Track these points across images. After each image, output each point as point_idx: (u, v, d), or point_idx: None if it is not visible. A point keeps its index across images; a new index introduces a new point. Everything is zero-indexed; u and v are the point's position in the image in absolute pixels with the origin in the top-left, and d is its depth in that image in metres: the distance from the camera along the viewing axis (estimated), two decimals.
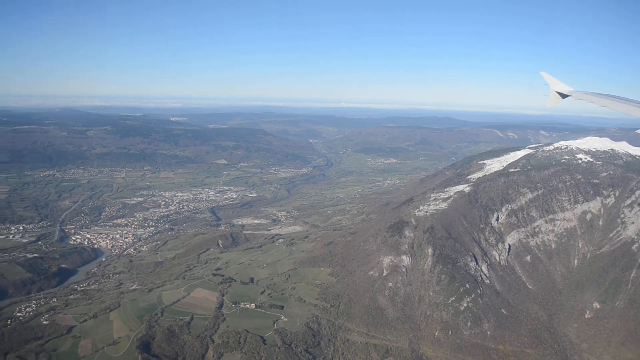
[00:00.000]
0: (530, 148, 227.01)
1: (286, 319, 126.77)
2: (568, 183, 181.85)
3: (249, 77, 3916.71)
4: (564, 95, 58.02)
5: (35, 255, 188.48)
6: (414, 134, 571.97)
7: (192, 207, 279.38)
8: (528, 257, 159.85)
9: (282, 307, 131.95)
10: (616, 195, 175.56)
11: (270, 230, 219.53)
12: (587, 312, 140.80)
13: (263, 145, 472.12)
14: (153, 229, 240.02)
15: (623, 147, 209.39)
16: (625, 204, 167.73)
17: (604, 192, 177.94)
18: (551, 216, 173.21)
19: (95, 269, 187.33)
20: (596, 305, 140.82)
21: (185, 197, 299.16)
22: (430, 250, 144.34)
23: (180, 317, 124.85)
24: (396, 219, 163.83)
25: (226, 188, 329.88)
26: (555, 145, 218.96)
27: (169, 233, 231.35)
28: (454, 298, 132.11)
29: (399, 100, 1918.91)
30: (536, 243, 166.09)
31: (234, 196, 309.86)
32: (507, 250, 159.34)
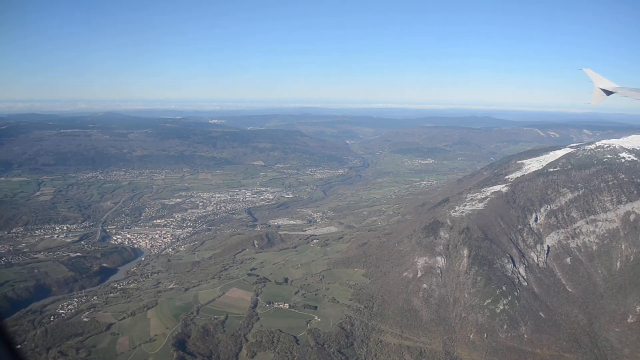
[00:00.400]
0: (571, 147, 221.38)
1: (319, 320, 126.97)
2: (610, 183, 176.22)
3: (287, 79, 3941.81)
4: (608, 92, 56.09)
5: (78, 254, 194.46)
6: (451, 134, 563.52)
7: (229, 208, 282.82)
8: (568, 259, 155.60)
9: (315, 308, 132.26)
10: None
11: (305, 230, 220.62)
12: (630, 316, 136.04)
13: (299, 147, 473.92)
14: (191, 229, 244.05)
15: None
16: None
17: None
18: (592, 217, 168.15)
19: (135, 268, 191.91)
20: (639, 309, 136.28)
21: (222, 198, 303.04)
22: (465, 252, 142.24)
23: (215, 316, 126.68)
24: (431, 219, 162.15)
25: (263, 189, 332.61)
26: (597, 144, 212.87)
27: (206, 233, 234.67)
28: (489, 300, 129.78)
29: (437, 100, 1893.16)
30: (576, 245, 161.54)
31: (271, 197, 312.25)
32: (546, 252, 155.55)
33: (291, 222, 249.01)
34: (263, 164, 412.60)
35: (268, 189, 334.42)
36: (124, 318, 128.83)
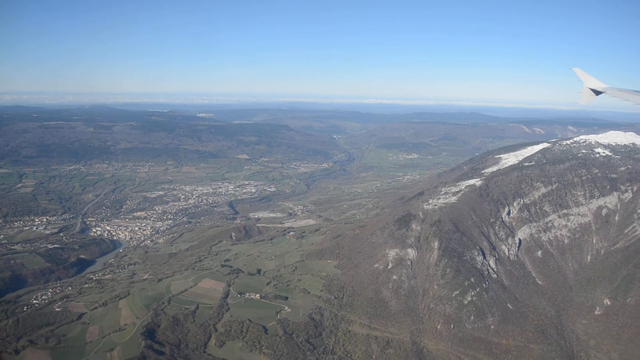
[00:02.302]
0: (548, 142, 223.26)
1: (289, 310, 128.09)
2: (584, 177, 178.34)
3: (278, 74, 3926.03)
4: (597, 92, 56.20)
5: (56, 246, 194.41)
6: (437, 130, 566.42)
7: (211, 201, 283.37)
8: (539, 252, 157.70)
9: (286, 298, 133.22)
10: (634, 190, 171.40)
11: (283, 223, 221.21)
12: (597, 308, 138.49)
13: (285, 141, 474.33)
14: (171, 221, 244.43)
15: None
16: None
17: (621, 186, 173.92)
18: (565, 211, 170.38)
19: (112, 259, 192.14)
20: (607, 301, 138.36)
21: (205, 191, 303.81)
22: (436, 244, 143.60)
23: (186, 306, 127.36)
24: (404, 212, 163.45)
25: (246, 182, 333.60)
26: (575, 139, 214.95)
27: (186, 226, 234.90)
28: (458, 292, 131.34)
29: (428, 96, 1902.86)
30: (548, 238, 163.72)
31: (253, 190, 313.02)
32: (518, 245, 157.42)
33: (271, 215, 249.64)
34: (248, 157, 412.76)
35: (251, 182, 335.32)
36: (96, 308, 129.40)
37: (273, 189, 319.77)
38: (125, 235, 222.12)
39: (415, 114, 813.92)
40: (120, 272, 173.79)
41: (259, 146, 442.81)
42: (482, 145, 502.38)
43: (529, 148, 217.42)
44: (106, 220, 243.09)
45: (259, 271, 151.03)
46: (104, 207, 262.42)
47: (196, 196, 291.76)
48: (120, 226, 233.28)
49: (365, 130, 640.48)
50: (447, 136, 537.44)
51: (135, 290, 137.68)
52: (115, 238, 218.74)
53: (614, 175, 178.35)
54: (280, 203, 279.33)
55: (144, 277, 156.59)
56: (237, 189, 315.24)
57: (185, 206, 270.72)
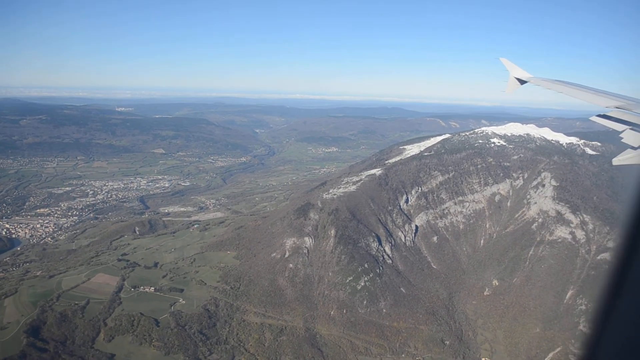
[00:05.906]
0: (450, 134, 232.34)
1: (184, 302, 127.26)
2: (479, 166, 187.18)
3: (205, 68, 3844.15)
4: (522, 82, 58.17)
5: None
6: (358, 124, 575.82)
7: (121, 196, 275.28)
8: (435, 238, 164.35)
9: (182, 290, 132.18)
10: (525, 177, 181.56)
11: (191, 217, 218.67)
12: (487, 289, 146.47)
13: (204, 135, 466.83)
14: (76, 218, 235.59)
15: (542, 132, 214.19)
16: (532, 185, 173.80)
17: (513, 174, 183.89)
18: (460, 198, 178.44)
19: (8, 258, 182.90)
20: (495, 282, 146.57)
21: (115, 187, 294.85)
22: (332, 232, 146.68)
23: (76, 302, 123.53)
24: (304, 201, 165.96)
25: (160, 177, 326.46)
26: (475, 130, 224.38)
27: (91, 222, 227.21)
28: (351, 278, 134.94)
29: (355, 92, 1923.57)
30: (444, 224, 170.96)
31: (167, 185, 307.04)
32: (414, 231, 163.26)
33: (182, 209, 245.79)
34: (164, 152, 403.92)
35: (165, 177, 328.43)
36: None
37: (188, 184, 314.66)
38: (25, 232, 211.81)
39: (338, 109, 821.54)
40: (13, 270, 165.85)
41: (176, 140, 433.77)
42: (400, 138, 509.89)
43: (432, 139, 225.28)
44: (5, 217, 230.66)
45: (156, 264, 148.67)
46: (4, 204, 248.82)
47: (106, 192, 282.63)
48: (21, 223, 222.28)
49: (288, 125, 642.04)
50: (367, 130, 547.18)
51: (24, 288, 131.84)
52: (14, 236, 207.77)
53: (507, 164, 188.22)
54: (193, 197, 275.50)
55: (36, 274, 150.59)
56: (150, 183, 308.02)
57: (93, 202, 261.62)
